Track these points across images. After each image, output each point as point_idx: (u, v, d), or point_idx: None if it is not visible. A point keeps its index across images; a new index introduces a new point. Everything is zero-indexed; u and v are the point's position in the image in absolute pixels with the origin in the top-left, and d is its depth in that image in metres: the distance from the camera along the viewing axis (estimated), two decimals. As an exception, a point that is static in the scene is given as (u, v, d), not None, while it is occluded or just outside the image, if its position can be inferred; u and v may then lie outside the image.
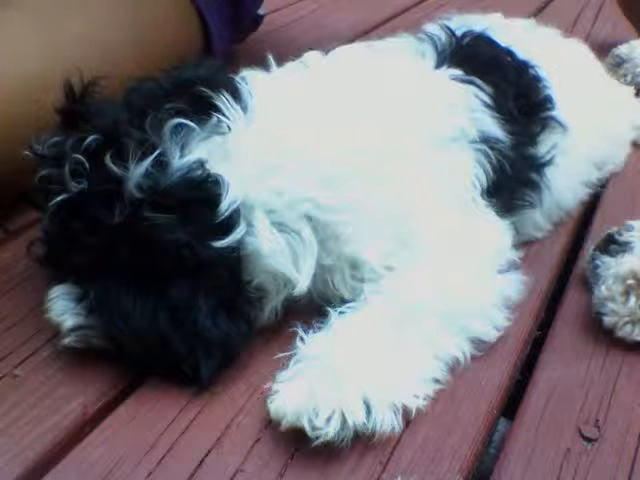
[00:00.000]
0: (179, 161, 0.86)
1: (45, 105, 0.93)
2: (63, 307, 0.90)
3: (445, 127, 1.03)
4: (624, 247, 1.04)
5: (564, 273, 1.15)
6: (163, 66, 0.99)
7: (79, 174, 0.86)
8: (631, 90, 1.54)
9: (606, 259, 1.03)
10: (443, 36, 1.16)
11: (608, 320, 0.97)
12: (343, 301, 0.95)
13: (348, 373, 0.82)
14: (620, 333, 0.96)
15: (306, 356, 0.86)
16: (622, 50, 1.69)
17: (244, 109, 0.93)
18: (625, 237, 1.05)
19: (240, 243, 0.87)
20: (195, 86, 0.92)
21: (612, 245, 1.06)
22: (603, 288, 0.98)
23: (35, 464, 0.79)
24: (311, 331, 0.90)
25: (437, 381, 0.88)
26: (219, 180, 0.86)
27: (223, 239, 0.85)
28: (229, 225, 0.86)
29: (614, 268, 0.99)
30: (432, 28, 1.20)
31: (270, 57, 1.04)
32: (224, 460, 0.80)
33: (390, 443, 0.82)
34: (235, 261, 0.87)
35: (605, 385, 0.91)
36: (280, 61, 1.06)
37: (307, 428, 0.78)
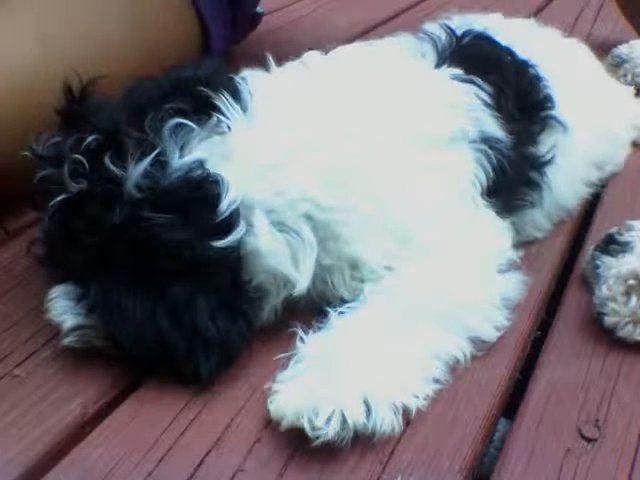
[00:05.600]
0: (178, 161, 0.86)
1: (44, 103, 0.92)
2: (63, 307, 0.90)
3: (445, 127, 1.02)
4: (624, 247, 1.04)
5: (564, 273, 1.15)
6: (162, 65, 0.99)
7: (79, 174, 0.85)
8: (631, 90, 1.54)
9: (606, 259, 1.03)
10: (443, 36, 1.16)
11: (609, 320, 0.97)
12: (343, 301, 0.95)
13: (348, 373, 0.82)
14: (621, 333, 0.96)
15: (306, 356, 0.86)
16: (622, 50, 1.69)
17: (244, 109, 0.93)
18: (625, 237, 1.05)
19: (240, 243, 0.87)
20: (195, 86, 0.92)
21: (612, 245, 1.05)
22: (604, 288, 0.98)
23: (35, 464, 0.79)
24: (311, 331, 0.90)
25: (437, 381, 0.88)
26: (219, 180, 0.86)
27: (223, 239, 0.85)
28: (229, 225, 0.86)
29: (615, 268, 0.99)
30: (432, 28, 1.20)
31: (270, 57, 1.04)
32: (224, 460, 0.79)
33: (390, 443, 0.82)
34: (235, 261, 0.87)
35: (605, 385, 0.91)
36: (280, 61, 1.06)
37: (307, 428, 0.78)
